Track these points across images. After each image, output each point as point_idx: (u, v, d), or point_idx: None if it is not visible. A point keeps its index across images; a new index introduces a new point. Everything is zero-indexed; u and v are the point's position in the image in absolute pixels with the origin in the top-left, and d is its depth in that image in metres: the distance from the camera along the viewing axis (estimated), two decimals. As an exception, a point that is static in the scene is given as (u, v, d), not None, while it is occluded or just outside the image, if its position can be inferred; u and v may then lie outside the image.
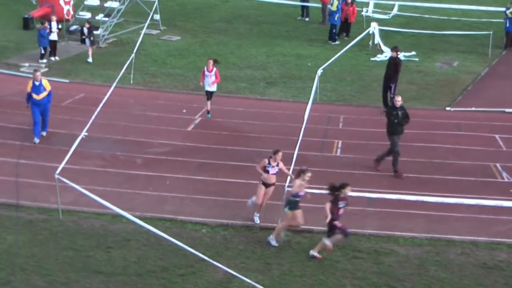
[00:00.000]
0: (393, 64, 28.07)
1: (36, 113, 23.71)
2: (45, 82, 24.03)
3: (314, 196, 18.98)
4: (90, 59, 33.71)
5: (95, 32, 35.65)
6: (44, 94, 23.78)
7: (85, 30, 34.49)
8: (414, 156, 24.03)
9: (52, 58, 33.62)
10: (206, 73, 26.52)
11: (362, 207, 20.07)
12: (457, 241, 18.54)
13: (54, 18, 34.72)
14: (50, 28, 33.53)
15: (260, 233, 18.82)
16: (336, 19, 38.48)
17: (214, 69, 26.48)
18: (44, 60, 33.20)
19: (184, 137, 25.25)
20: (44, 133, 24.15)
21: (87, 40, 34.30)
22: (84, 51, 34.39)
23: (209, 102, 26.94)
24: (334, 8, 38.12)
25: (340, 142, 25.30)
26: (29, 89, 23.72)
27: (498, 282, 16.81)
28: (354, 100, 29.97)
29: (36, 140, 23.60)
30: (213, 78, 26.50)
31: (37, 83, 23.72)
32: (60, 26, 35.12)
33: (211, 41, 37.48)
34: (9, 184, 20.55)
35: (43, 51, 33.33)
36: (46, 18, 37.37)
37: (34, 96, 23.65)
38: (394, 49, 28.42)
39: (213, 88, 26.79)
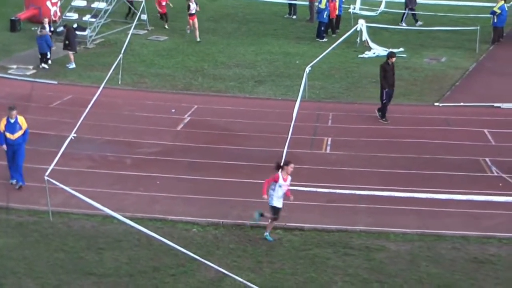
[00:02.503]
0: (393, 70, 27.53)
1: (9, 154, 20.80)
2: (21, 120, 20.85)
3: (304, 194, 19.00)
4: (71, 65, 32.99)
5: (79, 33, 35.36)
6: (19, 133, 20.74)
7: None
8: (403, 152, 24.07)
9: (45, 66, 33.05)
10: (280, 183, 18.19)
11: (353, 204, 20.09)
12: (448, 236, 18.58)
13: (46, 20, 34.39)
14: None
15: (251, 231, 18.81)
16: (324, 16, 38.49)
17: None
18: (45, 66, 32.91)
19: (174, 137, 25.23)
20: (18, 184, 20.82)
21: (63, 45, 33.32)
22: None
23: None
24: (323, 5, 38.10)
25: (329, 139, 25.31)
26: (2, 128, 20.60)
27: (489, 276, 16.85)
28: (343, 97, 29.99)
29: (12, 181, 20.96)
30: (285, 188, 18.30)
31: (12, 121, 20.69)
32: (52, 29, 35.00)
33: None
34: (-2, 187, 20.51)
35: (42, 56, 32.99)
36: (36, 20, 37.34)
37: (8, 135, 20.62)
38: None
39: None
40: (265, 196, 17.94)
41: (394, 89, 27.24)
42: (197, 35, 37.63)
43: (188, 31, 38.22)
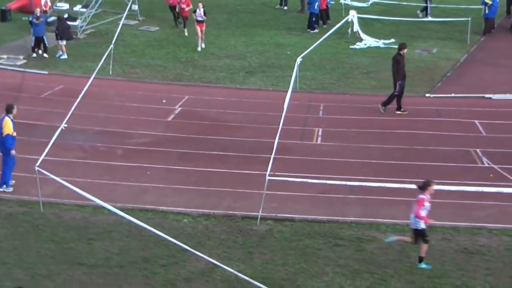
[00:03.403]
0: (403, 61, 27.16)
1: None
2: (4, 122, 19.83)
3: (295, 184, 18.96)
4: (62, 55, 33.04)
5: (71, 23, 35.23)
6: None
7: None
8: (395, 143, 24.09)
9: (45, 55, 33.08)
10: None
11: (344, 195, 20.10)
12: (438, 227, 18.58)
13: (38, 10, 34.16)
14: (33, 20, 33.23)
15: (241, 222, 18.80)
16: (316, 7, 38.48)
17: None
18: (45, 55, 32.84)
19: (165, 128, 25.19)
20: (0, 189, 19.97)
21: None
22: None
23: None
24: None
25: (320, 130, 25.31)
26: (12, 130, 19.83)
27: (479, 266, 16.88)
28: (334, 88, 29.99)
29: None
30: None
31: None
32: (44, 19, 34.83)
33: (190, 31, 37.30)
34: (-12, 178, 20.42)
35: (38, 41, 32.94)
36: (26, 10, 37.15)
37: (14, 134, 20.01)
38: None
39: None
40: (431, 221, 16.83)
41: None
42: (199, 43, 35.11)
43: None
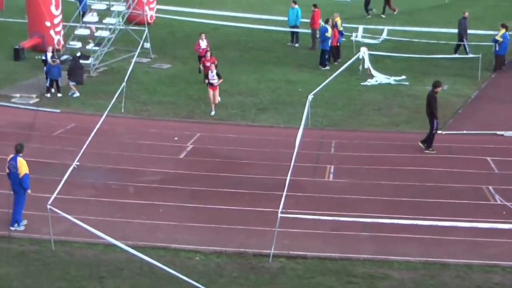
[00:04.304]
0: None
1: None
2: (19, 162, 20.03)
3: (307, 222, 18.91)
4: (75, 94, 33.18)
5: (84, 62, 35.46)
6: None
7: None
8: (407, 180, 24.02)
9: (59, 94, 33.13)
10: None
11: (356, 232, 20.02)
12: (452, 264, 18.49)
13: (50, 49, 34.45)
14: (46, 60, 33.47)
15: (253, 259, 18.73)
16: (329, 44, 38.66)
17: None
18: (59, 94, 33.03)
19: (176, 165, 25.22)
20: (12, 228, 20.05)
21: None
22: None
23: None
24: (329, 34, 38.28)
25: (332, 167, 25.29)
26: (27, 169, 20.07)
27: (493, 305, 16.77)
28: (346, 125, 30.00)
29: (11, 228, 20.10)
30: None
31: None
32: (55, 57, 35.06)
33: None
34: (0, 216, 20.43)
35: (52, 82, 33.11)
36: (39, 49, 37.46)
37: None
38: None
39: None
40: None
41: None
42: (212, 108, 31.18)
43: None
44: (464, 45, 41.08)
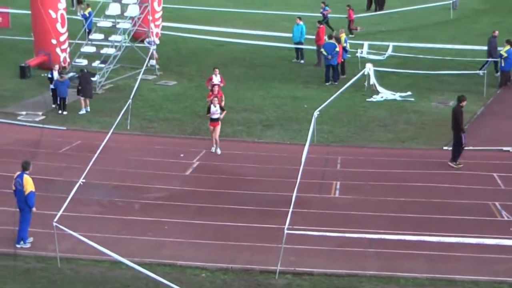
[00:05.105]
0: None
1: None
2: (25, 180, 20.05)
3: (313, 238, 18.87)
4: (81, 110, 33.22)
5: (91, 79, 35.60)
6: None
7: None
8: (413, 196, 23.98)
9: (65, 112, 33.15)
10: None
11: (362, 248, 19.98)
12: (459, 280, 18.43)
13: (56, 66, 34.48)
14: (52, 77, 33.54)
15: (260, 276, 18.70)
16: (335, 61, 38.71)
17: None
18: (64, 112, 32.99)
19: (182, 182, 25.22)
20: (18, 246, 19.98)
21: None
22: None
23: None
24: (338, 49, 38.40)
25: (338, 183, 25.27)
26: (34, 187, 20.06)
27: (501, 321, 16.70)
28: (351, 141, 29.99)
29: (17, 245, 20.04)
30: None
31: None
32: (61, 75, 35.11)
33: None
34: (6, 233, 20.43)
35: (60, 100, 33.09)
36: (45, 67, 37.55)
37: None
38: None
39: None
40: None
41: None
42: (215, 146, 28.30)
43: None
44: (488, 61, 40.49)
